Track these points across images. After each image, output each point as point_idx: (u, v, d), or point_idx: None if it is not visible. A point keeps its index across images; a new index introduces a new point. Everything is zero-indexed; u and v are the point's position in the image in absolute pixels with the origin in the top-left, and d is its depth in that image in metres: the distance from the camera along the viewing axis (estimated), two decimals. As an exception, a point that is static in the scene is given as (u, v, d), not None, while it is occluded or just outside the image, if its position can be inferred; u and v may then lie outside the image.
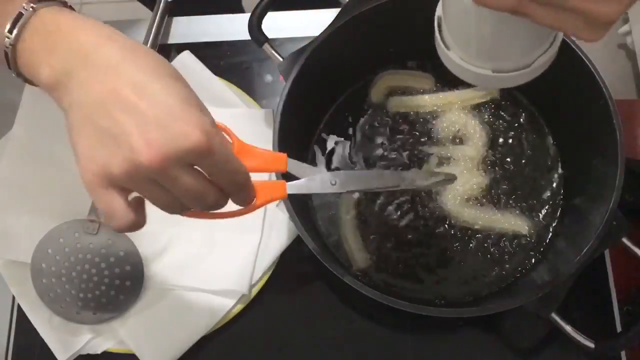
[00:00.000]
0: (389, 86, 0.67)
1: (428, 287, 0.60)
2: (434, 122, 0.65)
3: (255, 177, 0.39)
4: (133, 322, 0.60)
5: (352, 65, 0.64)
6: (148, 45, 0.67)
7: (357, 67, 0.66)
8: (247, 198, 0.39)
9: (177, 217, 0.62)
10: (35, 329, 0.60)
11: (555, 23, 0.32)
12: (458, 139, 0.65)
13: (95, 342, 0.60)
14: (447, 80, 0.66)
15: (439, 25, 0.44)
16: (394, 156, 0.65)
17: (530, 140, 0.65)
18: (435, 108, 0.66)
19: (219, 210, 0.38)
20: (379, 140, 0.66)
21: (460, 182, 0.62)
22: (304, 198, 0.63)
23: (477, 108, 0.66)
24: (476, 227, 0.61)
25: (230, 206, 0.39)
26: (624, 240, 0.53)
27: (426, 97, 0.66)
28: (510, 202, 0.62)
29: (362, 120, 0.66)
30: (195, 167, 0.34)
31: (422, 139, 0.65)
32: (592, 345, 0.50)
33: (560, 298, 0.51)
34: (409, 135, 0.66)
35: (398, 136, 0.66)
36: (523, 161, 0.64)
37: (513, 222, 0.61)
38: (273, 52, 0.60)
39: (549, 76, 0.62)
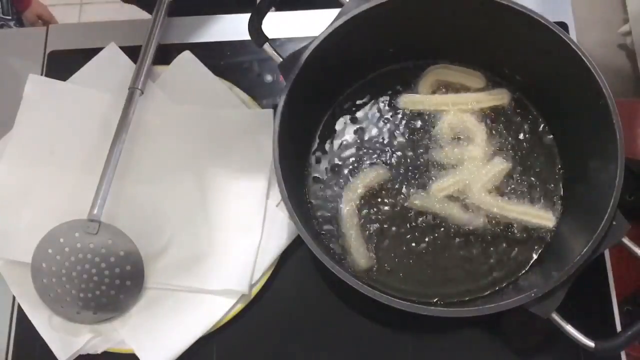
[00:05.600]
0: (437, 80, 0.67)
1: (428, 287, 0.60)
2: (440, 122, 0.65)
3: None
4: (133, 322, 0.60)
5: (352, 65, 0.64)
6: (149, 45, 0.67)
7: (357, 67, 0.66)
8: None
9: (177, 217, 0.63)
10: (35, 329, 0.60)
11: None
12: (462, 139, 0.65)
13: (95, 342, 0.60)
14: (494, 81, 0.66)
15: None
16: (398, 156, 0.65)
17: (530, 141, 0.65)
18: (443, 108, 0.66)
19: None
20: (381, 140, 0.66)
21: (485, 171, 0.62)
22: (304, 198, 0.63)
23: (483, 110, 0.66)
24: (503, 218, 0.61)
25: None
26: (624, 240, 0.53)
27: (437, 97, 0.66)
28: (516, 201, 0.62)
29: (363, 120, 0.66)
30: None
31: (427, 140, 0.65)
32: (592, 345, 0.50)
33: (560, 298, 0.51)
34: (414, 135, 0.66)
35: (401, 136, 0.66)
36: (523, 162, 0.64)
37: (541, 215, 0.61)
38: (273, 52, 0.60)
39: (549, 76, 0.62)
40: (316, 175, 0.64)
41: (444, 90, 0.67)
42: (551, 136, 0.65)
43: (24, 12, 1.15)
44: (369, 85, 0.67)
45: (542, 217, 0.61)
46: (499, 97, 0.66)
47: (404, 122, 0.66)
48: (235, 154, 0.66)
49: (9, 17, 1.07)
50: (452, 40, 0.65)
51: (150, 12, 0.94)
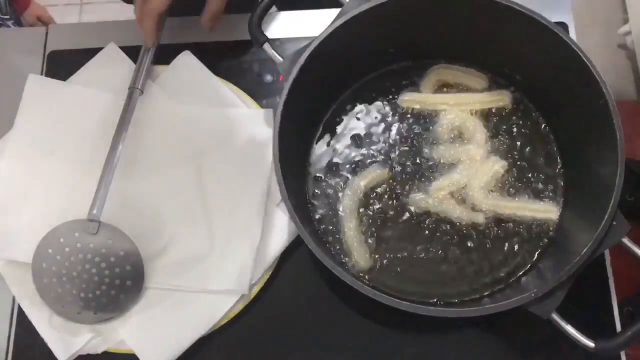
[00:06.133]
0: (440, 80, 0.67)
1: (428, 287, 0.60)
2: (440, 121, 0.65)
3: None
4: (133, 322, 0.60)
5: (352, 65, 0.64)
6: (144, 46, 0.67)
7: (357, 67, 0.66)
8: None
9: (177, 217, 0.63)
10: (35, 329, 0.60)
11: None
12: (462, 139, 0.65)
13: (95, 342, 0.60)
14: (496, 82, 0.67)
15: None
16: (398, 155, 0.65)
17: (530, 141, 0.65)
18: (444, 107, 0.66)
19: None
20: (382, 140, 0.66)
21: (482, 171, 0.63)
22: (304, 198, 0.63)
23: (483, 111, 0.66)
24: (505, 215, 0.61)
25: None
26: (624, 240, 0.53)
27: (438, 95, 0.66)
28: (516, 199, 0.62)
29: (363, 120, 0.66)
30: None
31: (427, 139, 0.65)
32: (592, 345, 0.50)
33: (560, 298, 0.51)
34: (414, 135, 0.66)
35: (401, 136, 0.66)
36: (523, 162, 0.64)
37: (544, 208, 0.61)
38: (273, 52, 0.60)
39: (549, 76, 0.62)
40: (316, 175, 0.64)
41: (446, 90, 0.67)
42: (551, 136, 0.65)
43: (23, 14, 1.15)
44: (369, 85, 0.67)
45: (545, 210, 0.61)
46: (501, 99, 0.66)
47: (404, 121, 0.66)
48: (235, 153, 0.66)
49: (7, 17, 1.07)
50: (451, 40, 0.65)
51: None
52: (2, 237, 0.62)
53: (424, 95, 0.66)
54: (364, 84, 0.67)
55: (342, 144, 0.66)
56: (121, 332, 0.60)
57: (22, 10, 1.14)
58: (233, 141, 0.66)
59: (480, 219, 0.61)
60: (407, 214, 0.62)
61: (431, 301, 0.59)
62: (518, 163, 0.64)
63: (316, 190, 0.64)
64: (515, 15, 0.57)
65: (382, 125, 0.66)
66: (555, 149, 0.65)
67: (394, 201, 0.63)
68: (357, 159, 0.65)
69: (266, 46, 0.60)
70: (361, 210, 0.63)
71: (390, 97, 0.67)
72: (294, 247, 0.63)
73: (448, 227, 0.62)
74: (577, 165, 0.62)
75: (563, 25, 0.71)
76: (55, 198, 0.63)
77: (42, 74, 0.71)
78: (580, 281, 0.52)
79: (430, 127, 0.66)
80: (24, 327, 0.61)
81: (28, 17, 1.16)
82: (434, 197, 0.62)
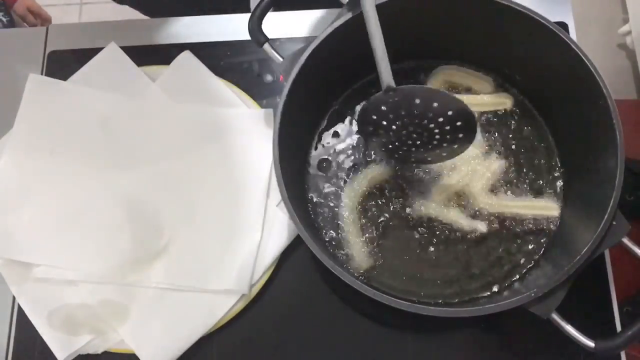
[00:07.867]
0: (447, 81, 0.67)
1: (428, 287, 0.60)
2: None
3: None
4: (133, 322, 0.60)
5: (352, 65, 0.64)
6: None
7: (357, 67, 0.66)
8: None
9: (178, 217, 0.63)
10: (35, 328, 0.60)
11: None
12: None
13: (95, 342, 0.60)
14: (501, 85, 0.67)
15: None
16: (399, 156, 0.65)
17: (530, 141, 0.65)
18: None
19: None
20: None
21: (482, 171, 0.63)
22: (304, 198, 0.63)
23: (485, 112, 0.66)
24: (505, 214, 0.62)
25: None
26: (624, 240, 0.53)
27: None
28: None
29: (363, 119, 0.66)
30: None
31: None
32: (592, 345, 0.50)
33: (560, 298, 0.51)
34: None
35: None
36: (523, 162, 0.64)
37: (544, 205, 0.62)
38: (273, 52, 0.60)
39: (549, 76, 0.62)
40: (316, 175, 0.64)
41: (451, 91, 0.67)
42: (551, 136, 0.65)
43: (14, 6, 1.15)
44: (368, 85, 0.67)
45: (547, 207, 0.62)
46: (503, 102, 0.66)
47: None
48: (235, 153, 0.66)
49: None
50: (451, 40, 0.65)
51: (142, 12, 0.93)
52: (2, 237, 0.62)
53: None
54: (363, 85, 0.67)
55: (342, 144, 0.66)
56: (121, 332, 0.60)
57: (12, 2, 1.14)
58: (233, 141, 0.66)
59: (480, 227, 0.61)
60: (407, 214, 0.62)
61: (431, 301, 0.59)
62: (518, 163, 0.64)
63: (316, 190, 0.64)
64: (515, 15, 0.57)
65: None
66: (555, 148, 0.65)
67: (394, 201, 0.63)
68: (357, 159, 0.65)
69: (266, 46, 0.60)
70: (361, 210, 0.63)
71: (390, 97, 0.67)
72: (294, 247, 0.63)
73: (447, 227, 0.62)
74: (577, 166, 0.62)
75: (563, 25, 0.71)
76: (55, 197, 0.63)
77: (42, 74, 0.71)
78: (580, 281, 0.52)
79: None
80: (24, 327, 0.61)
81: (18, 9, 1.16)
82: (434, 200, 0.62)
